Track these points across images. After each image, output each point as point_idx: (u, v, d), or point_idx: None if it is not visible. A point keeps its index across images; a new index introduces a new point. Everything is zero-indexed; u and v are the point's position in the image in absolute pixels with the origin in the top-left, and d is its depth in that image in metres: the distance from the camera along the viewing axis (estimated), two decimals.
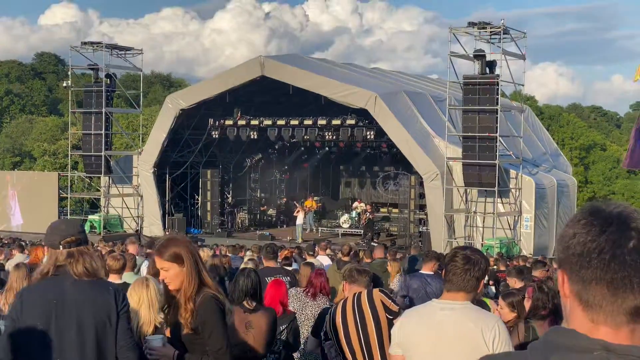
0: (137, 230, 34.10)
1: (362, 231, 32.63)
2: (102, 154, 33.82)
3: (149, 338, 4.49)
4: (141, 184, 34.70)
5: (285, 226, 36.87)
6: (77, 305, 4.15)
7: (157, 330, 5.64)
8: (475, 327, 3.84)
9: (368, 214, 33.16)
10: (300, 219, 32.99)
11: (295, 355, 7.87)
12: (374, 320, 5.59)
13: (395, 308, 5.63)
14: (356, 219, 34.47)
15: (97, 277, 4.29)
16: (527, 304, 5.82)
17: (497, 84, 27.23)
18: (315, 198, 37.04)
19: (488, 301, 8.35)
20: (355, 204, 35.51)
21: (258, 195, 38.94)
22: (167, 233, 32.94)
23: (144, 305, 5.63)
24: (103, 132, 33.78)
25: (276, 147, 37.50)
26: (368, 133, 30.86)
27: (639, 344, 1.62)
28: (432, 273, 9.16)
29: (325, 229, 35.41)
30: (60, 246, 4.21)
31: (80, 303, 4.16)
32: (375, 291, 5.75)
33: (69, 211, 35.68)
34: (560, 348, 1.61)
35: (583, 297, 1.63)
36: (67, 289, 4.16)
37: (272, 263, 9.65)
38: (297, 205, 35.01)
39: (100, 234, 31.96)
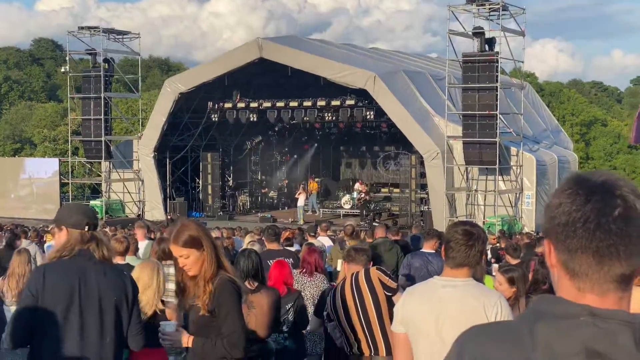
0: (139, 215, 34.15)
1: (360, 211, 32.63)
2: (102, 139, 33.79)
3: (163, 324, 4.52)
4: (142, 169, 34.70)
5: (286, 208, 36.90)
6: (99, 286, 4.23)
7: (157, 315, 5.67)
8: (478, 304, 3.84)
9: (364, 195, 33.15)
10: (301, 200, 33.01)
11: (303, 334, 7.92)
12: (373, 298, 5.61)
13: (393, 285, 5.65)
14: (357, 199, 34.49)
15: (111, 261, 4.39)
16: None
17: (497, 61, 27.15)
18: (317, 179, 37.03)
19: (490, 279, 8.37)
20: (357, 185, 35.51)
21: (259, 178, 38.94)
22: (168, 216, 32.99)
23: (150, 288, 5.67)
24: (102, 117, 33.73)
25: (276, 129, 37.46)
26: (368, 113, 30.80)
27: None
28: (434, 251, 9.20)
29: (326, 210, 35.44)
30: (86, 227, 4.26)
31: (102, 284, 4.25)
32: (373, 269, 5.77)
33: (70, 197, 35.70)
34: (546, 315, 1.62)
35: (569, 266, 1.64)
36: (89, 270, 4.24)
37: (274, 245, 9.66)
38: (299, 187, 35.02)
39: (102, 219, 32.00)
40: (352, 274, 5.83)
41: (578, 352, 1.55)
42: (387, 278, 5.68)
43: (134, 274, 5.43)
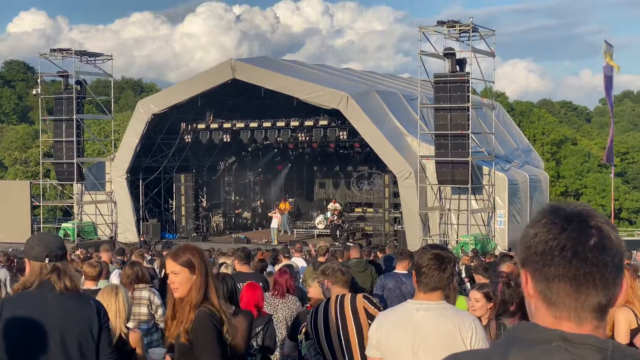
0: (111, 237, 33.87)
1: (330, 232, 32.61)
2: (74, 161, 33.53)
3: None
4: (114, 190, 34.46)
5: (260, 228, 36.82)
6: (60, 319, 4.14)
7: (120, 339, 5.62)
8: (453, 327, 3.85)
9: (336, 217, 33.21)
10: (275, 221, 32.98)
11: (274, 358, 7.88)
12: (355, 325, 5.61)
13: (377, 314, 5.65)
14: (330, 219, 34.50)
15: (78, 291, 4.29)
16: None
17: (468, 82, 27.41)
18: (289, 199, 37.00)
19: (463, 299, 8.40)
20: (330, 204, 35.55)
21: (232, 199, 38.84)
22: (141, 238, 32.77)
23: (110, 313, 5.61)
24: (74, 139, 33.48)
25: (249, 149, 37.46)
26: (341, 133, 30.90)
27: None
28: (407, 272, 9.22)
29: (300, 230, 35.41)
30: (47, 259, 4.20)
31: (63, 317, 4.15)
32: (359, 296, 5.77)
33: (41, 220, 35.35)
34: (519, 341, 1.63)
35: (547, 295, 1.65)
36: (50, 303, 4.14)
37: (245, 267, 9.59)
38: (274, 207, 35.03)
39: (74, 241, 31.69)
40: (337, 297, 5.82)
41: None
42: (372, 307, 5.68)
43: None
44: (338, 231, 32.56)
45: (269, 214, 34.30)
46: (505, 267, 9.88)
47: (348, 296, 5.77)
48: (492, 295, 6.06)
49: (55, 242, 4.33)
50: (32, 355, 4.10)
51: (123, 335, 5.66)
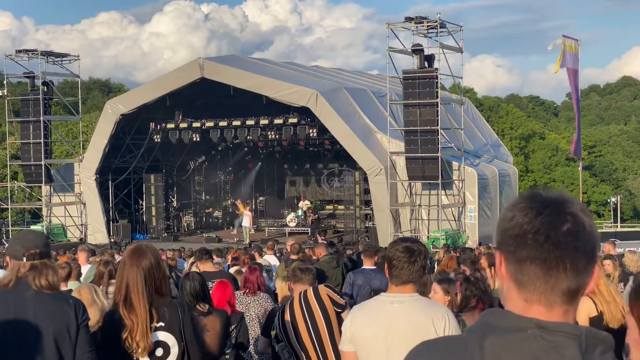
0: (81, 239, 33.58)
1: (309, 230, 32.68)
2: (42, 162, 33.19)
3: None
4: (84, 192, 34.17)
5: (232, 227, 36.70)
6: (37, 318, 4.11)
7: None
8: (426, 318, 3.89)
9: (312, 215, 33.28)
10: (246, 220, 32.92)
11: (252, 356, 7.88)
12: (323, 316, 5.62)
13: (342, 301, 5.68)
14: (302, 217, 34.52)
15: (57, 290, 4.25)
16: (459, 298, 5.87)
17: (436, 78, 27.53)
18: (247, 201, 36.80)
19: None
20: (301, 203, 35.58)
21: (203, 198, 38.68)
22: (111, 239, 32.58)
23: (95, 307, 5.58)
24: (42, 140, 33.15)
25: (219, 148, 37.33)
26: (311, 131, 30.89)
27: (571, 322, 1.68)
28: (374, 267, 9.27)
29: (272, 228, 35.38)
30: (24, 258, 4.16)
31: (40, 316, 4.11)
32: (321, 287, 5.78)
33: (10, 222, 34.95)
34: (495, 329, 1.65)
35: (518, 277, 1.68)
36: (27, 301, 4.11)
37: (208, 266, 9.51)
38: (246, 205, 34.95)
39: None
40: (300, 293, 5.82)
41: None
42: (336, 295, 5.70)
43: None
44: (316, 227, 32.68)
45: (240, 212, 34.24)
46: (464, 266, 9.93)
47: (310, 289, 5.78)
48: (450, 290, 6.12)
49: (35, 240, 4.28)
50: (7, 354, 4.07)
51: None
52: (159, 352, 4.37)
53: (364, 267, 9.44)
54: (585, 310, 5.92)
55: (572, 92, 38.55)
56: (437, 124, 27.34)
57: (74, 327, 4.18)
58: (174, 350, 4.42)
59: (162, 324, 4.38)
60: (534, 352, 1.60)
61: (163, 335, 4.39)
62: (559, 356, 1.59)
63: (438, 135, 27.43)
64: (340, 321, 5.59)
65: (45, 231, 33.34)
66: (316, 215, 33.61)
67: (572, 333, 1.61)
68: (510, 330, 1.63)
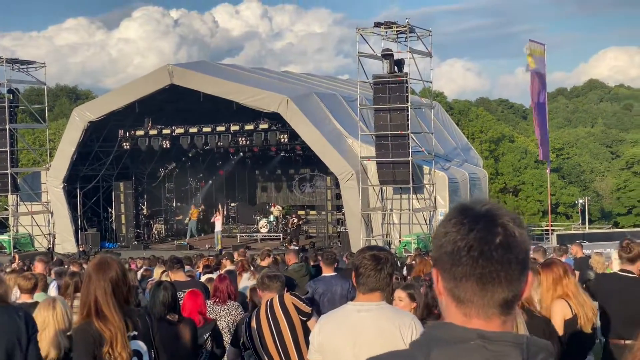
0: (49, 248, 33.17)
1: (290, 236, 32.39)
2: (8, 171, 32.78)
3: None
4: (51, 200, 33.77)
5: (203, 234, 36.51)
6: None
7: (66, 355, 5.47)
8: (393, 326, 3.87)
9: (296, 220, 33.15)
10: (218, 225, 32.77)
11: None
12: (288, 324, 5.59)
13: (307, 309, 5.64)
14: (274, 222, 34.42)
15: (5, 302, 4.18)
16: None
17: (406, 82, 27.62)
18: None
19: None
20: (272, 208, 35.49)
21: (174, 205, 38.45)
22: (80, 248, 32.22)
23: (49, 327, 5.44)
24: (8, 149, 32.76)
25: (190, 155, 37.10)
26: (282, 137, 30.84)
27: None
28: (334, 274, 9.20)
29: (244, 234, 35.25)
30: None
31: None
32: (287, 295, 5.76)
33: None
34: (440, 341, 1.69)
35: (455, 294, 1.72)
36: None
37: (180, 275, 9.38)
38: (215, 212, 34.81)
39: (10, 254, 30.92)
40: (267, 301, 5.79)
41: None
42: (302, 303, 5.67)
43: (34, 315, 5.24)
44: (298, 232, 32.60)
45: (212, 219, 34.06)
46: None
47: (276, 298, 5.76)
48: (416, 296, 6.11)
49: None
50: None
51: (66, 349, 5.51)
52: None
53: (323, 274, 9.35)
54: (560, 313, 6.01)
55: (535, 96, 38.81)
56: (408, 129, 27.42)
57: (25, 339, 4.14)
58: (146, 357, 4.42)
59: (135, 332, 4.37)
60: None
61: (138, 344, 4.37)
62: None
63: (408, 139, 27.51)
64: (305, 329, 5.55)
65: (11, 241, 32.92)
66: (300, 220, 33.45)
67: (514, 342, 1.64)
68: (454, 342, 1.66)
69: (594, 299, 7.69)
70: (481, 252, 1.66)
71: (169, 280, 8.18)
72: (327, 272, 9.31)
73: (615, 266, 9.93)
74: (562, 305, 6.00)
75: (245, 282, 10.84)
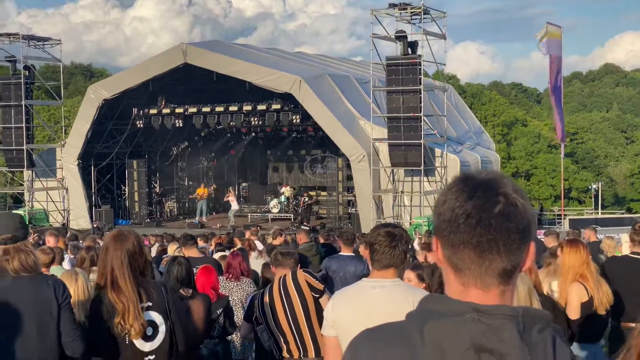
0: (63, 224, 33.45)
1: (300, 216, 32.51)
2: (24, 147, 32.99)
3: None
4: (66, 177, 34.01)
5: (214, 213, 36.68)
6: (17, 301, 4.11)
7: (80, 325, 5.60)
8: (407, 303, 3.89)
9: (307, 199, 33.25)
10: (234, 205, 33.00)
11: (235, 339, 7.93)
12: (301, 301, 5.66)
13: (320, 286, 5.71)
14: (285, 203, 34.53)
15: (35, 272, 4.26)
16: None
17: (420, 64, 27.54)
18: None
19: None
20: (283, 189, 35.58)
21: (186, 184, 38.59)
22: (94, 225, 32.46)
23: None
24: (24, 125, 32.94)
25: (202, 134, 37.21)
26: (294, 117, 30.86)
27: (508, 304, 1.70)
28: (352, 255, 9.26)
29: (255, 214, 35.40)
30: None
31: (20, 299, 4.12)
32: (299, 272, 5.82)
33: None
34: (434, 314, 1.68)
35: (453, 262, 1.70)
36: (6, 286, 4.11)
37: (193, 251, 9.50)
38: (227, 192, 34.96)
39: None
40: (280, 277, 5.88)
41: (467, 349, 1.62)
42: (314, 280, 5.74)
43: None
44: (309, 212, 32.71)
45: (225, 199, 34.22)
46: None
47: (289, 274, 5.83)
48: (425, 277, 6.17)
49: (7, 225, 4.28)
50: None
51: (82, 322, 5.64)
52: (149, 331, 4.43)
53: (340, 253, 9.42)
54: (577, 296, 6.01)
55: (553, 79, 38.63)
56: (420, 111, 27.40)
57: (56, 307, 4.20)
58: (162, 328, 4.49)
59: (150, 303, 4.44)
60: (472, 336, 1.61)
61: (152, 315, 4.45)
62: (498, 338, 1.60)
63: (421, 122, 27.50)
64: (317, 306, 5.64)
65: (27, 216, 33.18)
66: (311, 200, 33.56)
67: (509, 314, 1.63)
68: (448, 315, 1.65)
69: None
70: (479, 220, 1.64)
71: (182, 255, 8.30)
72: (345, 251, 9.37)
73: (625, 249, 9.96)
74: (579, 288, 6.01)
75: (253, 260, 10.97)
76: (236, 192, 36.34)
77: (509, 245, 1.66)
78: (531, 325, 1.64)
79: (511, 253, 1.66)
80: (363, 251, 10.36)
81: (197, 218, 34.06)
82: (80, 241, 14.53)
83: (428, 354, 1.64)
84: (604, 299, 5.99)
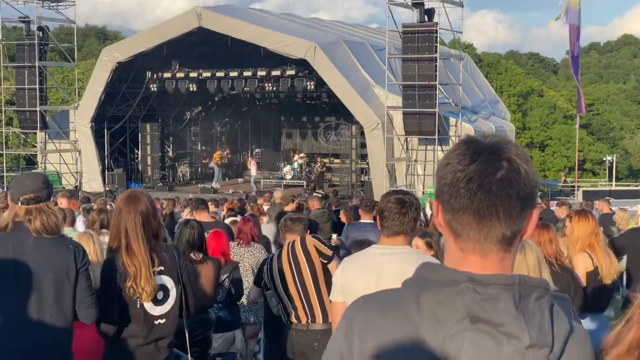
0: (76, 186, 33.59)
1: (313, 183, 32.51)
2: (37, 109, 33.03)
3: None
4: (79, 139, 34.07)
5: (227, 179, 36.72)
6: (36, 261, 4.10)
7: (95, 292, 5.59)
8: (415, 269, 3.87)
9: (320, 166, 33.23)
10: (253, 170, 33.11)
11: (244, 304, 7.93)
12: (309, 266, 5.65)
13: (329, 252, 5.69)
14: (298, 170, 34.52)
15: (57, 234, 4.24)
16: None
17: (436, 32, 27.27)
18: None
19: None
20: (295, 156, 35.54)
21: (199, 149, 38.62)
22: (106, 187, 32.61)
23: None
24: (37, 86, 32.94)
25: (216, 99, 37.12)
26: (308, 83, 30.71)
27: (507, 272, 1.65)
28: (372, 222, 9.23)
29: (268, 180, 35.42)
30: (19, 202, 4.14)
31: (38, 260, 4.12)
32: (309, 237, 5.81)
33: (4, 168, 34.91)
34: (430, 283, 1.65)
35: (453, 226, 1.67)
36: (26, 246, 4.11)
37: (204, 216, 9.49)
38: (248, 158, 35.12)
39: None
40: (289, 243, 5.86)
41: (462, 318, 1.59)
42: (323, 245, 5.72)
43: None
44: (322, 179, 32.74)
45: (248, 166, 34.45)
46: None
47: (298, 240, 5.80)
48: (433, 244, 6.15)
49: (30, 184, 4.25)
50: (5, 294, 4.08)
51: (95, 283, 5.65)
52: (160, 295, 4.43)
53: (361, 220, 9.40)
54: (582, 265, 6.05)
55: (572, 49, 38.22)
56: (436, 79, 27.18)
57: (74, 272, 4.19)
58: (173, 292, 4.48)
59: (162, 267, 4.43)
60: (467, 305, 1.59)
61: (163, 279, 4.44)
62: (493, 308, 1.58)
63: (436, 90, 27.29)
64: (326, 272, 5.62)
65: None
66: (323, 167, 33.53)
67: (505, 284, 1.60)
68: (444, 284, 1.62)
69: (619, 254, 7.71)
70: (480, 185, 1.61)
71: (194, 219, 8.29)
72: (365, 219, 9.34)
73: None
74: (585, 257, 6.04)
75: (265, 226, 10.98)
76: (250, 159, 36.36)
77: (509, 212, 1.62)
78: (528, 294, 1.61)
79: (511, 220, 1.63)
80: (342, 216, 10.35)
81: (214, 183, 34.05)
82: (93, 204, 14.55)
83: (424, 324, 1.62)
84: (611, 269, 6.01)
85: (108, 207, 10.58)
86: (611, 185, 44.26)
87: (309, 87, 31.04)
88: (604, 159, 53.71)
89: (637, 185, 47.62)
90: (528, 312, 1.60)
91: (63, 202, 10.94)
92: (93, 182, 33.77)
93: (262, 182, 34.78)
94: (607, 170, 52.65)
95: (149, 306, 4.39)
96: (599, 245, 6.08)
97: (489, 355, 1.58)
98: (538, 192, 1.73)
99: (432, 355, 1.61)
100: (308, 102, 35.57)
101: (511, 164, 1.62)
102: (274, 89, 32.09)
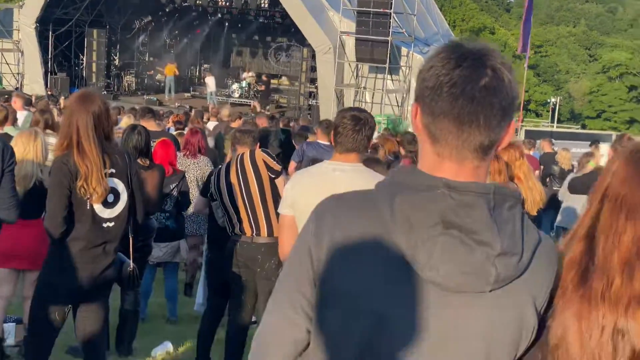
0: (17, 88, 32.70)
1: (259, 101, 32.30)
2: None
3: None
4: (22, 40, 33.01)
5: (172, 93, 36.16)
6: None
7: (36, 186, 5.51)
8: (367, 187, 3.90)
9: (257, 85, 32.99)
10: (212, 85, 32.61)
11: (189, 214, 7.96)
12: (256, 179, 5.66)
13: (277, 167, 5.71)
14: (246, 88, 34.20)
15: None
16: None
17: None
18: (204, 65, 36.22)
19: None
20: (244, 74, 35.15)
21: (146, 60, 37.85)
22: (48, 92, 31.85)
23: (29, 156, 5.49)
24: None
25: (167, 10, 36.24)
26: (262, 1, 30.23)
27: (481, 181, 1.67)
28: (329, 144, 9.22)
29: (216, 97, 35.03)
30: None
31: None
32: (258, 151, 5.80)
33: None
34: (405, 187, 1.64)
35: (431, 130, 1.66)
36: None
37: (151, 124, 9.36)
38: (208, 73, 34.60)
39: None
40: (238, 155, 5.85)
41: (435, 224, 1.60)
42: (272, 160, 5.73)
43: (14, 142, 5.26)
44: (266, 97, 32.55)
45: (203, 78, 33.93)
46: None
47: (247, 152, 5.80)
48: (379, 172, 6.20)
49: None
50: None
51: (37, 183, 5.57)
52: (110, 197, 4.39)
53: (318, 140, 9.38)
54: None
55: None
56: (391, 7, 27.00)
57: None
58: (124, 196, 4.45)
59: (113, 170, 4.39)
60: (442, 210, 1.59)
61: (114, 182, 4.40)
62: (467, 215, 1.59)
63: (390, 18, 27.14)
64: (273, 186, 5.65)
65: None
66: (263, 86, 33.29)
67: (480, 191, 1.61)
68: (419, 189, 1.62)
69: (579, 192, 7.89)
70: (463, 91, 1.59)
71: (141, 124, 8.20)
72: (322, 140, 9.31)
73: (604, 162, 10.14)
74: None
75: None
76: (197, 74, 35.84)
77: (489, 121, 1.61)
78: (501, 203, 1.63)
79: (491, 129, 1.62)
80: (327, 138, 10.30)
81: (166, 96, 33.52)
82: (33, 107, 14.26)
83: (396, 227, 1.62)
84: (537, 197, 6.09)
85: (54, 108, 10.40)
86: (553, 126, 45.07)
87: (262, 5, 30.58)
88: (548, 100, 54.56)
89: (577, 129, 48.61)
90: (501, 220, 1.61)
91: (18, 103, 10.72)
92: (35, 85, 32.88)
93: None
94: (550, 112, 53.54)
95: (98, 208, 4.34)
96: (525, 175, 6.12)
97: (460, 261, 1.59)
98: (517, 103, 1.73)
99: (402, 258, 1.62)
100: (261, 20, 35.01)
101: (495, 72, 1.61)
102: (227, 4, 31.52)
